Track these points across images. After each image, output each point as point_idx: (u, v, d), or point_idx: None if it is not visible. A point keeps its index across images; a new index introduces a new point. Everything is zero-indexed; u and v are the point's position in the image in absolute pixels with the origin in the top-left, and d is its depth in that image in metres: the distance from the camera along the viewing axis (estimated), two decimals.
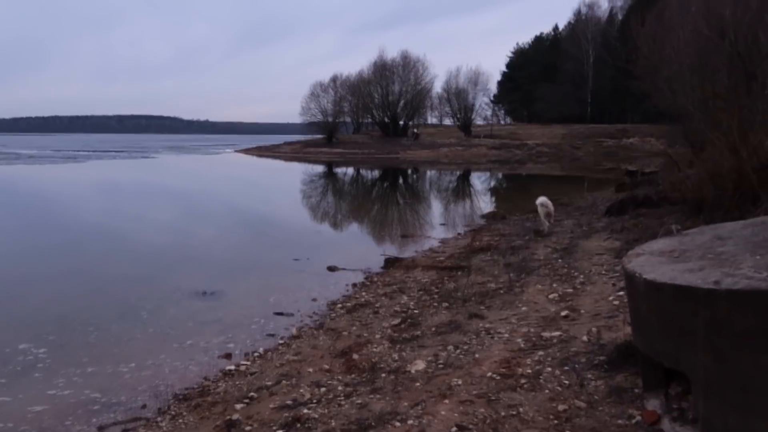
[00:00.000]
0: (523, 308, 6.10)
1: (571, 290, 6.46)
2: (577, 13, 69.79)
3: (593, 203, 15.52)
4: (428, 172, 41.01)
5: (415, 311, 6.81)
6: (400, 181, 36.47)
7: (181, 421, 4.60)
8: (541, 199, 11.34)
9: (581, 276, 7.05)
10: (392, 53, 71.12)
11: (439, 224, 15.68)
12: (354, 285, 8.88)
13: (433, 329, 5.87)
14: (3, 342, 6.42)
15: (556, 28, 76.31)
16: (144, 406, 5.01)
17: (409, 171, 42.16)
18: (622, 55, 54.13)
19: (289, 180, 35.81)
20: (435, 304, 6.99)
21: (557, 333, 4.99)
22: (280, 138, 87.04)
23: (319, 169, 42.79)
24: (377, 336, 6.10)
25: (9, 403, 5.09)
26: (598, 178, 32.60)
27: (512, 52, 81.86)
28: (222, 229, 14.97)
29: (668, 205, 10.77)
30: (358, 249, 11.96)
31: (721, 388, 2.65)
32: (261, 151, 65.01)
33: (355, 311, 7.32)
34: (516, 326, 5.47)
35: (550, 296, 6.38)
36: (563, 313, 5.56)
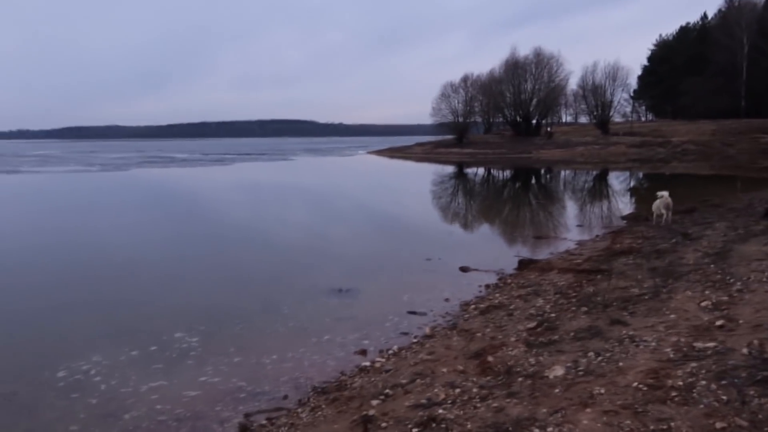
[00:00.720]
0: (672, 316, 5.70)
1: (726, 298, 5.94)
2: (730, 0, 64.28)
3: (750, 204, 14.21)
4: (562, 172, 39.66)
5: (552, 315, 6.60)
6: (533, 181, 35.56)
7: (320, 413, 4.78)
8: (661, 193, 12.50)
9: (738, 283, 6.46)
10: (524, 51, 69.61)
11: (575, 226, 15.10)
12: (487, 286, 8.78)
13: (572, 334, 5.64)
14: (162, 330, 7.04)
15: (704, 16, 70.87)
16: (285, 397, 5.27)
17: (542, 171, 40.98)
18: None
19: (420, 180, 36.14)
20: (573, 308, 6.72)
21: (711, 344, 4.61)
22: (411, 139, 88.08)
23: (450, 169, 42.81)
24: (512, 339, 5.98)
25: (166, 387, 5.56)
26: (754, 177, 29.87)
27: (654, 44, 77.02)
28: (355, 228, 15.44)
29: None
30: (491, 250, 11.81)
31: None
32: (392, 152, 66.18)
33: (488, 312, 7.23)
34: (664, 334, 5.12)
35: (702, 304, 5.90)
36: (718, 323, 5.12)
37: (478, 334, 6.36)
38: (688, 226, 11.66)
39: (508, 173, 40.82)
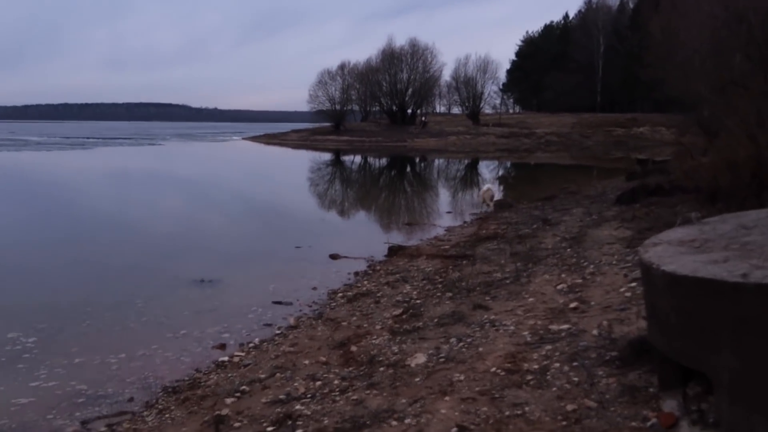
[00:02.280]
0: (530, 299, 5.84)
1: (580, 281, 6.19)
2: (588, 2, 69.10)
3: (603, 192, 15.19)
4: (436, 161, 40.72)
5: (418, 301, 6.57)
6: (408, 169, 36.20)
7: (168, 415, 4.39)
8: (486, 186, 14.73)
9: (591, 266, 6.77)
10: (401, 41, 70.54)
11: (445, 212, 15.43)
12: (356, 273, 8.65)
13: (436, 320, 5.62)
14: None
15: (566, 16, 75.65)
16: (131, 399, 4.81)
17: (417, 159, 41.82)
18: (633, 43, 53.51)
19: (295, 167, 35.62)
20: (438, 294, 6.74)
21: (566, 326, 4.73)
22: (289, 126, 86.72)
23: (327, 156, 42.56)
24: (377, 327, 5.87)
25: None
26: (608, 167, 32.23)
27: (522, 41, 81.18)
28: (224, 216, 14.78)
29: (681, 194, 10.45)
30: (362, 237, 11.74)
31: (748, 392, 2.39)
32: (268, 139, 64.80)
33: (355, 300, 7.09)
34: (522, 318, 5.21)
35: (559, 287, 6.11)
36: (572, 305, 5.29)
37: (344, 323, 6.19)
38: (548, 213, 12.22)
39: (384, 161, 41.24)
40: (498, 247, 9.06)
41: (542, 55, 72.75)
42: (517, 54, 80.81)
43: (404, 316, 6.05)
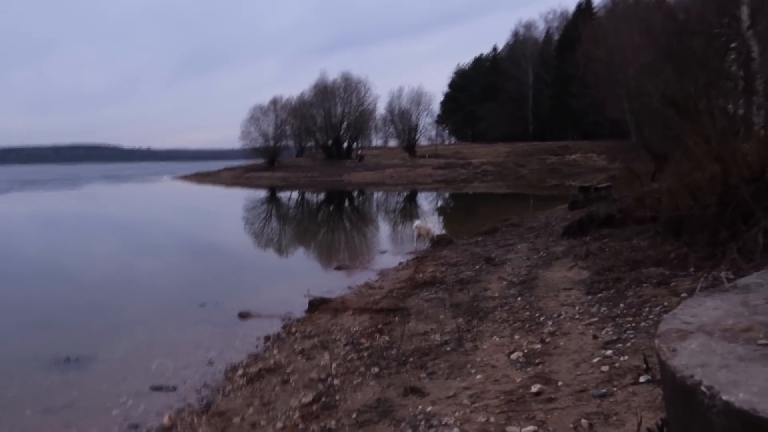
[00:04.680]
0: (478, 376, 4.47)
1: (538, 345, 4.87)
2: (515, 34, 70.41)
3: (547, 223, 14.17)
4: (374, 194, 39.54)
5: (335, 381, 5.08)
6: (345, 204, 34.81)
7: None
8: (417, 223, 14.53)
9: (549, 322, 5.47)
10: (333, 76, 69.65)
11: (379, 252, 14.06)
12: (267, 338, 7.11)
13: (354, 416, 4.15)
14: None
15: (495, 48, 76.66)
16: None
17: (355, 193, 40.52)
18: (560, 73, 54.43)
19: (222, 207, 33.69)
20: (362, 368, 5.28)
21: (530, 427, 3.37)
22: (223, 164, 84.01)
23: (261, 194, 40.73)
24: (278, 425, 4.37)
25: None
26: (544, 194, 31.83)
27: (454, 73, 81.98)
28: (118, 269, 12.73)
29: (635, 224, 9.42)
30: (283, 287, 10.19)
31: None
32: (200, 178, 62.26)
33: (258, 380, 5.55)
34: (469, 411, 3.82)
35: (513, 355, 4.77)
36: (534, 389, 3.93)
37: (236, 420, 4.65)
38: (491, 250, 11.03)
39: (320, 197, 39.77)
40: (436, 296, 7.71)
41: (474, 87, 73.41)
42: (450, 86, 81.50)
43: (315, 407, 4.56)
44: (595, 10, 56.28)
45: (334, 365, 5.59)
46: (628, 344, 4.40)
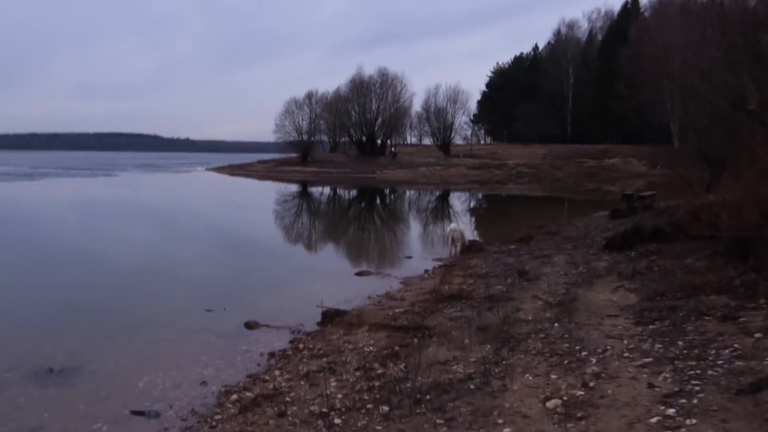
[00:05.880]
0: (506, 430, 3.68)
1: (581, 391, 4.06)
2: (557, 34, 68.65)
3: (586, 232, 13.22)
4: (406, 193, 38.77)
5: (338, 421, 4.34)
6: (377, 201, 34.10)
7: None
8: (452, 226, 13.50)
9: (593, 359, 4.64)
10: (370, 71, 68.76)
11: (405, 257, 13.25)
12: (271, 355, 6.40)
13: None
14: None
15: (536, 48, 74.99)
16: None
17: (386, 191, 39.77)
18: (605, 71, 52.71)
19: (252, 201, 33.31)
20: (370, 404, 4.53)
21: None
22: (257, 157, 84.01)
23: (292, 188, 40.28)
24: None
25: None
26: (581, 199, 30.75)
27: (492, 72, 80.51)
28: (132, 264, 12.17)
29: (688, 241, 8.47)
30: (298, 292, 9.46)
31: None
32: (233, 170, 62.34)
33: (252, 409, 4.85)
34: None
35: (549, 403, 3.96)
36: None
37: None
38: (525, 261, 10.16)
39: (353, 193, 39.17)
40: (462, 314, 6.91)
41: (512, 86, 71.92)
42: (488, 85, 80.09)
43: None
44: (642, 9, 54.46)
45: (339, 396, 4.86)
46: (695, 401, 3.56)
